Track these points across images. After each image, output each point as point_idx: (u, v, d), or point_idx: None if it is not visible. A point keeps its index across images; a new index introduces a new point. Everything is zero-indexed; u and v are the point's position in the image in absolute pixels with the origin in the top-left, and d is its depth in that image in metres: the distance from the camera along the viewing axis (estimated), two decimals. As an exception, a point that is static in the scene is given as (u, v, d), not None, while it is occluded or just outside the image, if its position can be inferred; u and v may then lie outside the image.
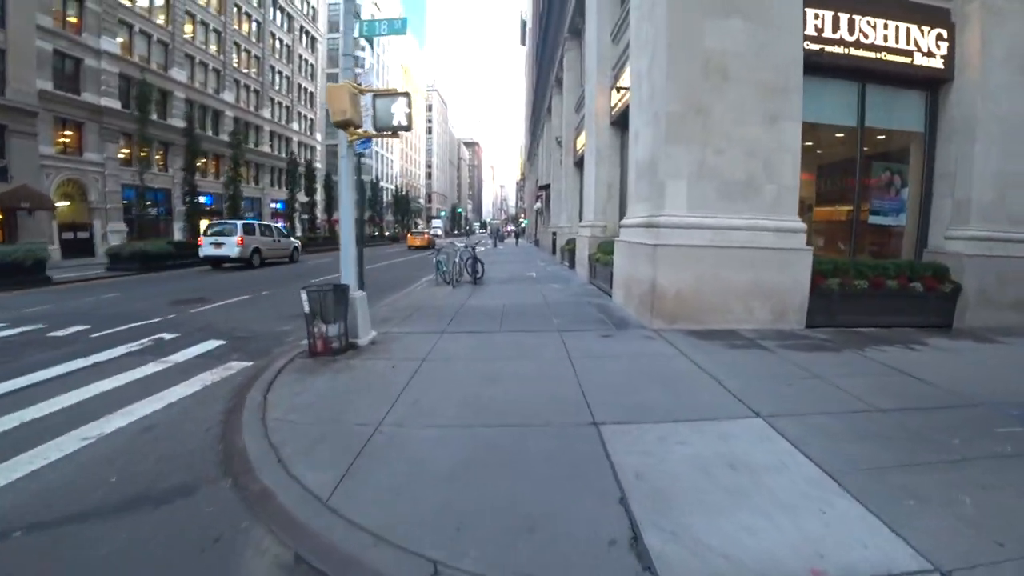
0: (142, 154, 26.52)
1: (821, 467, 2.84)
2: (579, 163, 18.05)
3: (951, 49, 7.44)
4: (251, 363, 5.56)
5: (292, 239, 26.59)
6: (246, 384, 4.69)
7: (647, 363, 5.09)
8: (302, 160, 52.89)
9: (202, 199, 41.36)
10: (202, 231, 22.26)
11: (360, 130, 5.79)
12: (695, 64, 6.45)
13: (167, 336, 6.94)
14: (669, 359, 5.26)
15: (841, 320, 6.79)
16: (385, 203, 72.93)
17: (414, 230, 49.90)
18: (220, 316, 8.71)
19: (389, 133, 5.94)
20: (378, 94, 5.95)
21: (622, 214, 11.87)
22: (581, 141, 16.28)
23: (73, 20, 28.67)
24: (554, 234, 24.60)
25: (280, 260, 22.71)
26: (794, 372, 4.79)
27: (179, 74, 37.41)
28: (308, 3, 58.12)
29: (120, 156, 32.41)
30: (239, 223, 20.01)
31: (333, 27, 77.66)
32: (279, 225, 27.51)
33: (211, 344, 6.49)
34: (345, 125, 5.54)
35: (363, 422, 3.59)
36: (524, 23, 72.33)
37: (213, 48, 42.01)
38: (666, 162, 6.49)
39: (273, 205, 47.62)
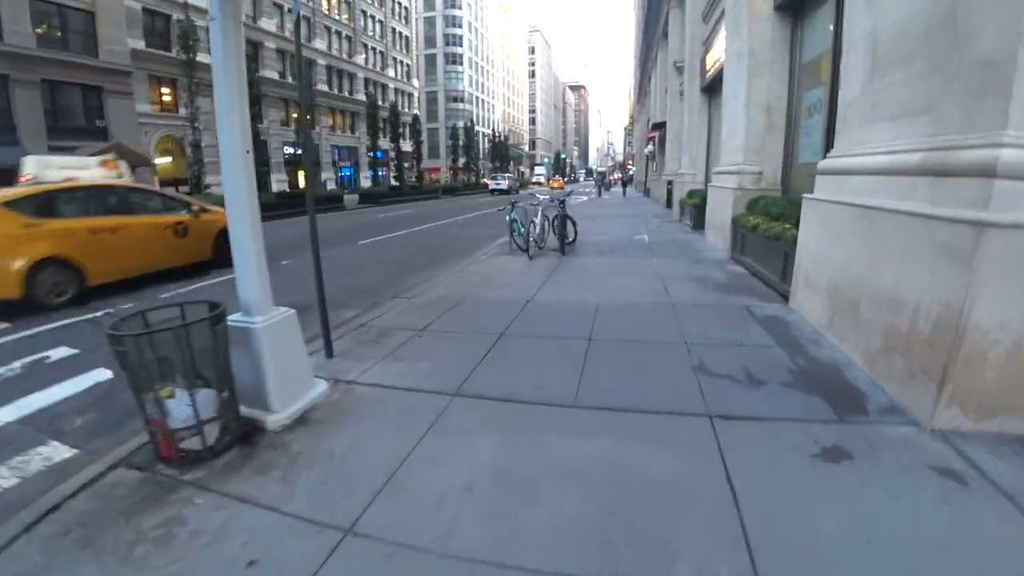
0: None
1: None
2: (709, 88, 13.38)
3: None
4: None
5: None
6: None
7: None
8: (403, 108, 51.64)
9: (299, 151, 41.60)
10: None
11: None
12: None
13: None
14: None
15: None
16: (483, 149, 70.20)
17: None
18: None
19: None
20: None
21: (788, 152, 7.59)
22: (715, 55, 11.68)
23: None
24: (669, 183, 20.01)
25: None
26: None
27: (268, 24, 36.48)
28: None
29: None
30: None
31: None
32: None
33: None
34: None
35: None
36: None
37: (305, -7, 40.60)
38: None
39: (368, 154, 46.43)
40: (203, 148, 30.44)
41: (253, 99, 23.20)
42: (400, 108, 54.98)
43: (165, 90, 27.82)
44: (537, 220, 8.78)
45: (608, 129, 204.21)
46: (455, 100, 76.13)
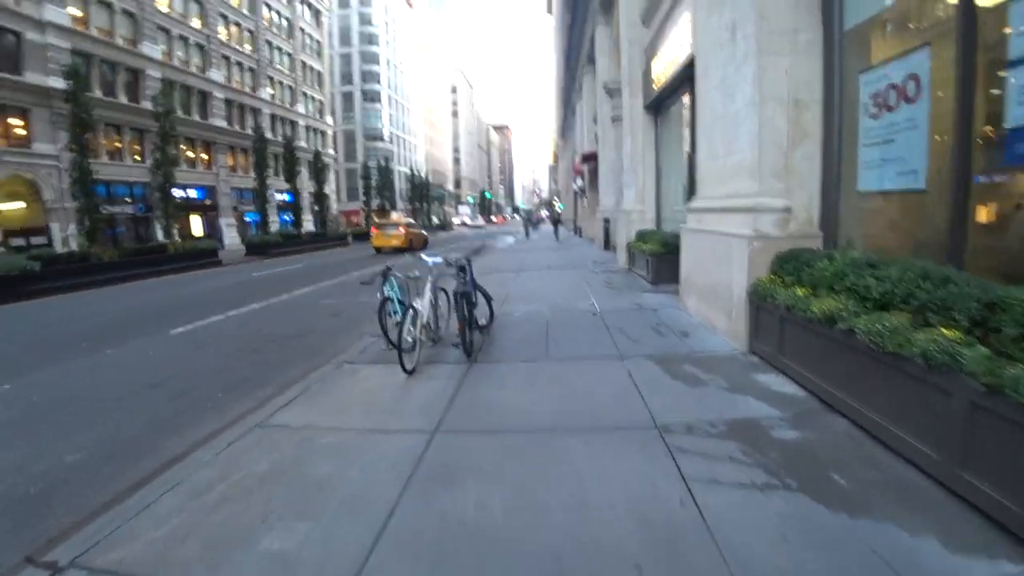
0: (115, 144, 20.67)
1: None
2: (656, 104, 10.69)
3: None
4: None
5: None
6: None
7: None
8: (319, 147, 46.88)
9: (192, 192, 35.89)
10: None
11: None
12: None
13: None
14: None
15: None
16: (401, 190, 66.41)
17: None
18: None
19: None
20: None
21: (832, 173, 4.58)
22: (667, 58, 8.96)
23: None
24: (606, 221, 17.31)
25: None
26: None
27: (152, 50, 31.49)
28: None
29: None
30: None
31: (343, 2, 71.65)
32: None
33: None
34: None
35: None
36: None
37: (195, 21, 35.98)
38: None
39: (280, 197, 41.06)
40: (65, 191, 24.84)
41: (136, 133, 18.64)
42: (317, 147, 50.17)
43: (14, 121, 22.32)
44: (424, 302, 5.14)
45: (533, 168, 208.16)
46: (374, 139, 72.53)
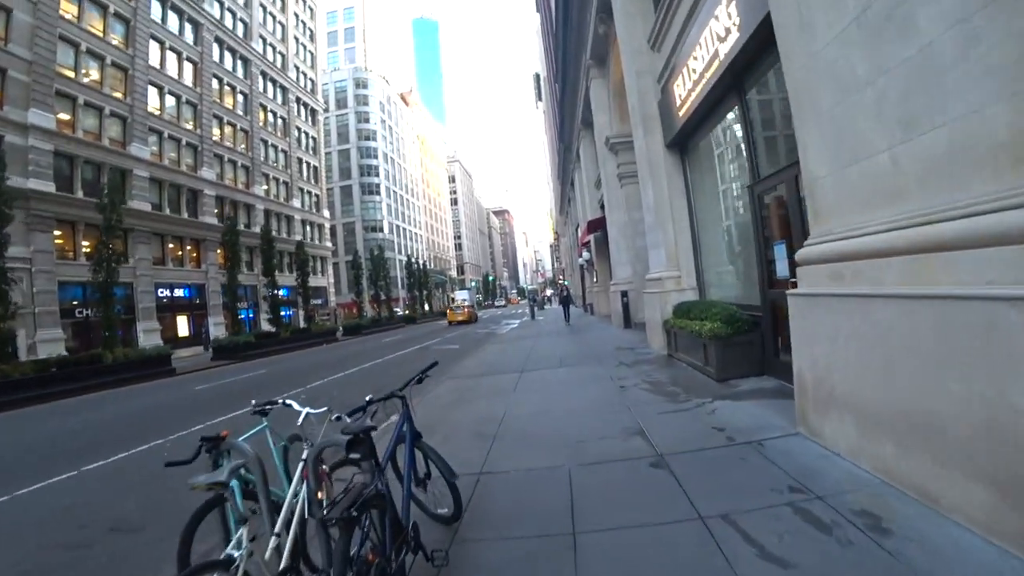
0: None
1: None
2: (680, 139, 8.26)
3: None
4: None
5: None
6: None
7: None
8: (313, 240, 45.64)
9: (179, 291, 33.85)
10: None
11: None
12: None
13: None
14: None
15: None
16: (400, 278, 64.50)
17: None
18: None
19: None
20: None
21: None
22: (698, 67, 6.60)
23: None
24: (624, 295, 14.48)
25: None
26: None
27: (141, 151, 30.79)
28: (304, 76, 53.20)
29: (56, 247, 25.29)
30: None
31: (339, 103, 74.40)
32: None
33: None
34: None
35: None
36: (538, 77, 66.53)
37: (188, 122, 35.88)
38: None
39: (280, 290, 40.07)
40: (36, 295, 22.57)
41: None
42: (312, 240, 49.22)
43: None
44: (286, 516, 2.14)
45: (535, 249, 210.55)
46: (373, 230, 72.61)
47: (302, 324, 34.88)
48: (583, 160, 22.10)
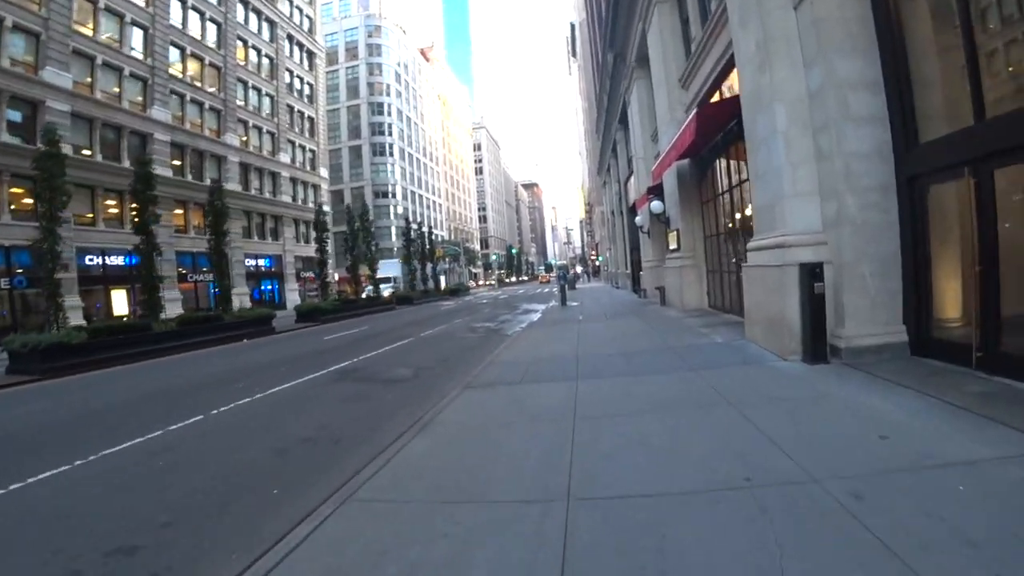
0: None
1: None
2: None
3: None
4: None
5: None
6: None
7: None
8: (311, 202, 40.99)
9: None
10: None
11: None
12: None
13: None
14: None
15: None
16: (397, 247, 57.21)
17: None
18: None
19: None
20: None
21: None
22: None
23: None
24: (817, 271, 12.31)
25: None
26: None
27: (161, 113, 29.20)
28: (300, 11, 45.56)
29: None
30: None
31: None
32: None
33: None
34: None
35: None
36: (573, 27, 61.43)
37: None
38: None
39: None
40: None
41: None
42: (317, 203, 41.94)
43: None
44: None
45: (565, 224, 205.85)
46: (383, 195, 66.60)
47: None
48: (635, 93, 18.84)
